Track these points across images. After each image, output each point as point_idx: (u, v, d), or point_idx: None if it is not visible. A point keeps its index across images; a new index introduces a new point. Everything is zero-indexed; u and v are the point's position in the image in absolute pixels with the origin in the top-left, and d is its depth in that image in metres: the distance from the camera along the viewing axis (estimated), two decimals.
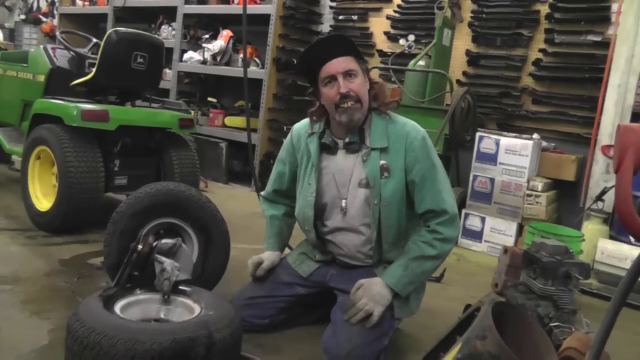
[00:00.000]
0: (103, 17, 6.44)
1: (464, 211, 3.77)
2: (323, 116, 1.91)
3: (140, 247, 1.74)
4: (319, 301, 2.03)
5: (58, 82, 3.31)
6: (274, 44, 4.81)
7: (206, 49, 5.29)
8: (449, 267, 2.91)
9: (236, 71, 5.09)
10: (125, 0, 6.04)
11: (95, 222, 2.88)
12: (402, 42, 4.70)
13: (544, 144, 3.84)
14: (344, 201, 1.89)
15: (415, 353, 1.91)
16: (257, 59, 5.19)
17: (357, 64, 1.80)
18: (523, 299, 1.78)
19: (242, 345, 1.59)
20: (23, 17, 8.10)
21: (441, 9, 3.92)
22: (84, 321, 1.39)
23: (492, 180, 3.72)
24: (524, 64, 4.15)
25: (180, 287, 1.70)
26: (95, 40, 3.59)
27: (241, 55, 5.11)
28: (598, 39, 3.82)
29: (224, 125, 5.39)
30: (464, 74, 4.41)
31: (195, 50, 5.53)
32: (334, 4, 5.20)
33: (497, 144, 3.69)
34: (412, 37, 4.64)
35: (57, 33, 3.72)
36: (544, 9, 4.04)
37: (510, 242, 3.58)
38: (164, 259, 1.70)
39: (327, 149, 1.90)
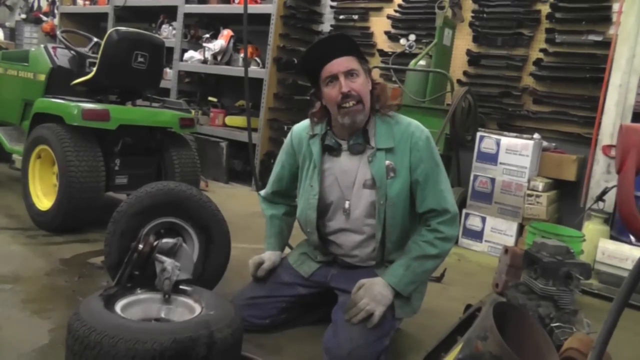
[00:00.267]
0: (103, 16, 6.44)
1: (464, 211, 3.77)
2: (324, 117, 1.91)
3: (140, 246, 1.74)
4: (320, 301, 2.03)
5: (58, 81, 3.31)
6: (274, 43, 4.80)
7: (206, 48, 5.28)
8: (449, 267, 2.91)
9: (236, 70, 5.09)
10: None
11: (96, 221, 2.88)
12: (402, 41, 4.70)
13: (545, 143, 3.84)
14: (347, 202, 1.88)
15: (415, 353, 1.91)
16: (257, 58, 5.18)
17: (358, 63, 1.79)
18: (524, 299, 1.77)
19: (242, 344, 1.59)
20: (23, 16, 8.10)
21: (442, 8, 3.92)
22: (84, 320, 1.39)
23: (493, 180, 3.72)
24: (524, 63, 4.14)
25: (181, 287, 1.70)
26: (95, 40, 3.59)
27: (241, 55, 5.11)
28: (599, 38, 3.82)
29: (224, 125, 5.39)
30: (465, 73, 4.41)
31: (195, 50, 5.53)
32: (334, 4, 5.19)
33: (498, 143, 3.69)
34: (412, 37, 4.63)
35: (58, 32, 3.72)
36: (545, 9, 4.04)
37: (510, 241, 3.58)
38: (164, 258, 1.69)
39: (330, 151, 1.89)
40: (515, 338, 1.33)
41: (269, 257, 2.04)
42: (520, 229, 3.61)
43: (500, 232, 3.66)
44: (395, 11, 4.78)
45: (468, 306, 1.99)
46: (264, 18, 4.78)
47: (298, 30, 5.06)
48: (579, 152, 3.87)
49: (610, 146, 3.53)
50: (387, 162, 1.82)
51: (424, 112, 3.86)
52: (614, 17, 3.71)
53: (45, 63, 3.36)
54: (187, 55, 5.52)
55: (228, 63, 5.26)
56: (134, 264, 1.72)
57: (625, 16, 3.52)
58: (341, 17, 5.15)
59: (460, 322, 1.69)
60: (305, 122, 1.99)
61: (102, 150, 2.91)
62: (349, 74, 1.77)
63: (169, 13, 5.73)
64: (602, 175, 3.58)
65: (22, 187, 3.06)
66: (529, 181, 3.60)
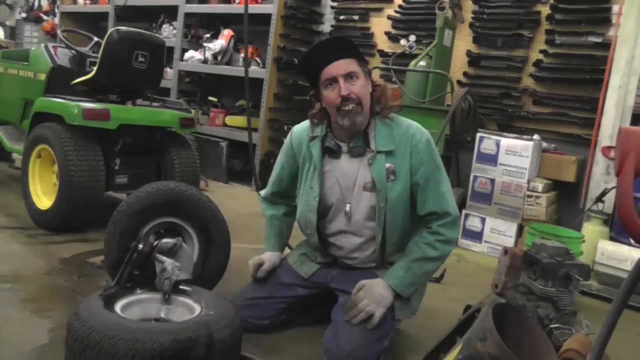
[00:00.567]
0: (104, 15, 6.44)
1: (464, 211, 3.77)
2: (324, 119, 1.91)
3: (140, 246, 1.74)
4: (319, 301, 2.03)
5: (59, 81, 3.31)
6: (274, 44, 4.80)
7: (207, 48, 5.29)
8: (449, 268, 2.91)
9: (237, 70, 5.09)
10: None
11: (96, 221, 2.88)
12: (402, 42, 4.70)
13: (544, 144, 3.84)
14: (348, 205, 1.88)
15: (415, 354, 1.91)
16: (257, 58, 5.19)
17: (358, 66, 1.79)
18: (523, 299, 1.77)
19: (242, 345, 1.60)
20: (24, 15, 8.10)
21: (442, 9, 3.92)
22: (84, 320, 1.39)
23: (492, 181, 3.72)
24: (524, 64, 4.15)
25: (181, 287, 1.70)
26: (96, 39, 3.59)
27: (242, 55, 5.12)
28: (598, 40, 3.82)
29: (225, 125, 5.39)
30: (465, 74, 4.41)
31: (196, 49, 5.53)
32: (334, 4, 5.20)
33: (497, 144, 3.70)
34: (412, 37, 4.64)
35: (58, 31, 3.72)
36: (545, 10, 4.04)
37: (510, 242, 3.58)
38: (164, 258, 1.69)
39: (330, 153, 1.89)
40: (514, 339, 1.33)
41: (269, 257, 2.04)
42: (520, 230, 3.62)
43: (500, 233, 3.67)
44: (396, 12, 4.78)
45: (467, 307, 1.99)
46: (265, 18, 4.79)
47: (298, 30, 5.06)
48: (578, 153, 3.87)
49: (609, 147, 3.53)
50: (388, 164, 1.82)
51: (423, 112, 3.87)
52: (614, 19, 3.72)
53: (46, 62, 3.36)
54: (187, 55, 5.52)
55: (228, 63, 5.27)
56: (134, 264, 1.72)
57: (625, 18, 3.53)
58: (341, 17, 5.15)
59: (459, 322, 1.69)
60: (305, 124, 1.99)
61: (102, 149, 2.91)
62: (349, 76, 1.77)
63: (170, 13, 5.73)
64: (602, 176, 3.58)
65: (22, 187, 3.06)
66: (528, 182, 3.61)
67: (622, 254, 3.13)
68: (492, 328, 1.24)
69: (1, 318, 1.83)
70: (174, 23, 5.69)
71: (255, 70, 4.91)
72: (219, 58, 5.24)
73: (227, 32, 5.25)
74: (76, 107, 2.79)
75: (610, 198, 3.32)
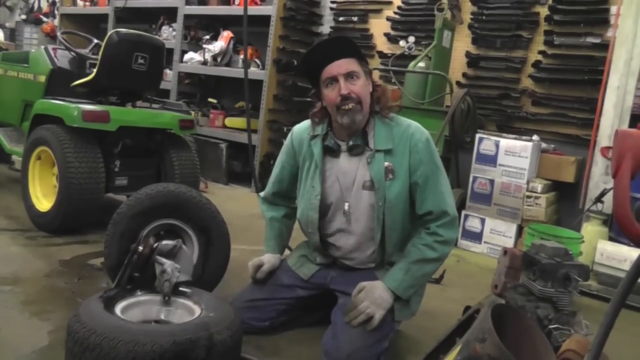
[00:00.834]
0: (104, 17, 6.44)
1: (463, 212, 3.77)
2: (325, 118, 1.91)
3: (140, 248, 1.74)
4: (319, 303, 2.03)
5: (58, 83, 3.31)
6: (274, 45, 4.81)
7: (206, 50, 5.29)
8: (448, 268, 2.91)
9: (236, 72, 5.09)
10: (126, 0, 6.04)
11: (95, 223, 2.88)
12: (402, 43, 4.71)
13: (544, 145, 3.85)
14: (346, 204, 1.88)
15: (414, 355, 1.91)
16: (257, 60, 5.19)
17: (359, 65, 1.80)
18: (522, 300, 1.78)
19: (242, 346, 1.60)
20: (24, 16, 8.10)
21: (441, 10, 3.93)
22: (84, 322, 1.40)
23: (492, 182, 3.72)
24: (523, 65, 4.15)
25: (181, 289, 1.70)
26: (95, 41, 3.60)
27: (241, 56, 5.12)
28: (597, 40, 3.83)
29: (224, 126, 5.39)
30: (464, 75, 4.42)
31: (195, 51, 5.54)
32: (334, 5, 5.20)
33: (497, 145, 3.70)
34: (411, 39, 4.64)
35: (58, 33, 3.73)
36: (543, 11, 4.05)
37: (509, 243, 3.58)
38: (164, 260, 1.70)
39: (330, 152, 1.90)
40: (513, 340, 1.34)
41: (269, 259, 2.04)
42: (519, 231, 3.62)
43: (499, 234, 3.67)
44: (395, 13, 4.78)
45: (467, 308, 2.00)
46: (264, 20, 4.79)
47: (298, 31, 5.07)
48: (577, 153, 3.88)
49: (608, 148, 3.54)
50: (386, 163, 1.82)
51: (423, 113, 3.87)
52: (612, 20, 3.72)
53: (46, 64, 3.36)
54: (187, 56, 5.53)
55: (228, 64, 5.27)
56: (134, 266, 1.72)
57: (623, 19, 3.54)
58: (341, 18, 5.16)
59: (459, 323, 1.69)
60: (306, 123, 2.00)
61: (102, 151, 2.91)
62: (349, 76, 1.77)
63: (169, 14, 5.73)
64: (601, 176, 3.59)
65: (21, 189, 3.07)
66: (528, 183, 3.61)
67: (621, 254, 3.13)
68: (491, 329, 1.24)
69: (1, 320, 1.83)
70: (174, 25, 5.69)
71: (254, 72, 4.92)
72: (219, 60, 5.24)
73: (226, 34, 5.26)
74: (76, 109, 2.79)
75: (609, 198, 3.32)
